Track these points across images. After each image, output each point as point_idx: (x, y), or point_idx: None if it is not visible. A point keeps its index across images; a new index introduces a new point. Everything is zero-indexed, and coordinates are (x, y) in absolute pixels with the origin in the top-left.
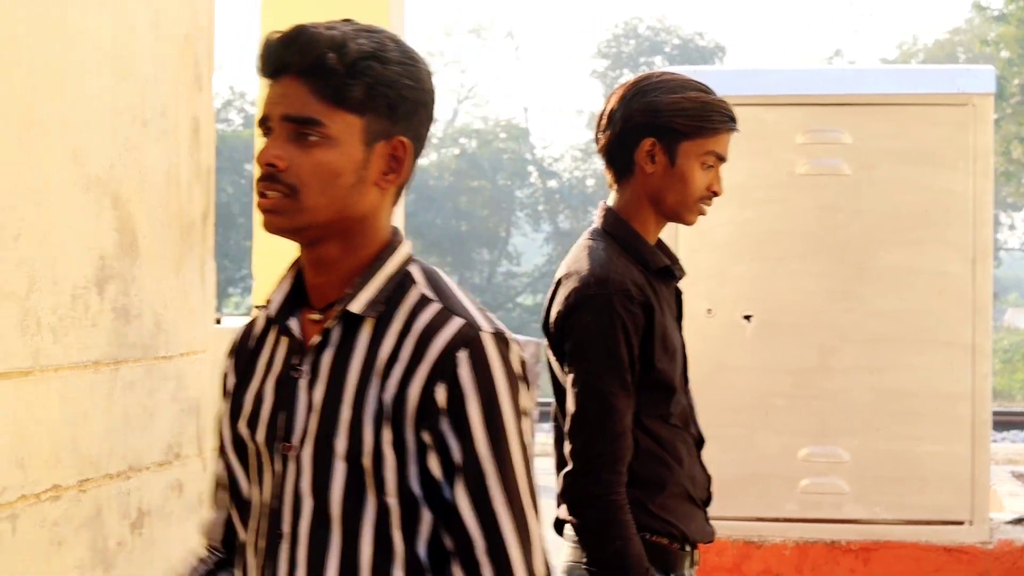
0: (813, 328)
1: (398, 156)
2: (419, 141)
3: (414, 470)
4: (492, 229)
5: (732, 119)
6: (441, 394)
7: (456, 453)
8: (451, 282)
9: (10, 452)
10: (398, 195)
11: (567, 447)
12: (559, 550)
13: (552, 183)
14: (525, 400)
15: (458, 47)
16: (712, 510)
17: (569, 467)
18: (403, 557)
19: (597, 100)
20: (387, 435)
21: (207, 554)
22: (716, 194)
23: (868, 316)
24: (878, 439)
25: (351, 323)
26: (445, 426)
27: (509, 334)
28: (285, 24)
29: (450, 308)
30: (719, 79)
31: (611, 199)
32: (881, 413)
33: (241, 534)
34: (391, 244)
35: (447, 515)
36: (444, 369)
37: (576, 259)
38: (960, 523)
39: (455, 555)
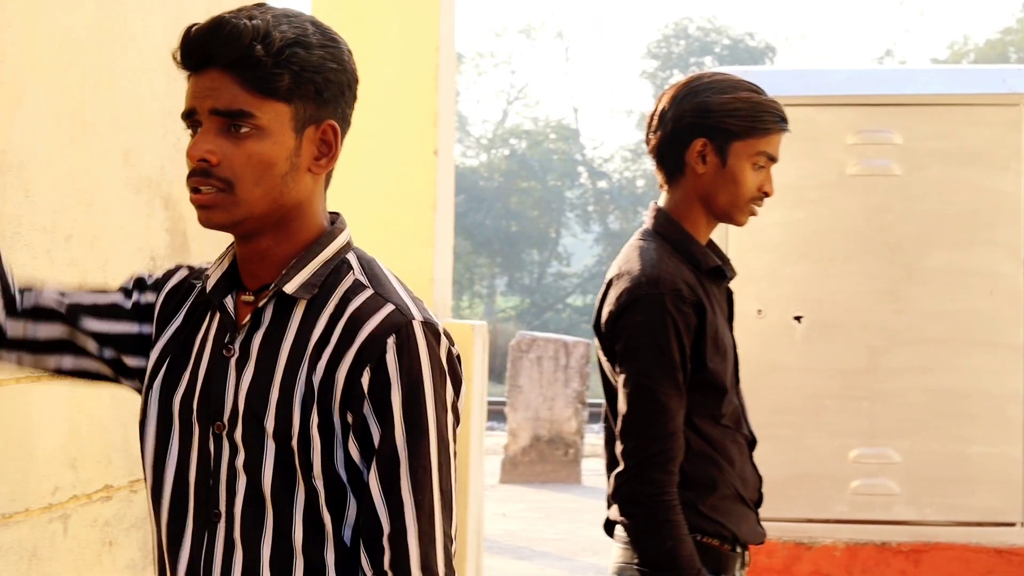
0: (863, 329)
1: (328, 140)
2: (346, 123)
3: (340, 454)
4: (542, 230)
5: (783, 119)
6: (366, 378)
7: (375, 438)
8: (388, 271)
9: (62, 453)
10: (329, 179)
11: (618, 447)
12: (610, 551)
13: (602, 184)
14: (450, 393)
15: (508, 48)
16: (762, 511)
17: (620, 468)
18: (333, 539)
19: (647, 101)
20: (315, 418)
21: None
22: (767, 195)
23: (918, 317)
24: (929, 440)
25: (283, 304)
26: (367, 410)
27: (441, 326)
28: (339, 24)
29: (383, 295)
30: (769, 79)
31: (662, 199)
32: (932, 414)
33: (153, 524)
34: (330, 231)
35: (361, 498)
36: (371, 354)
37: (627, 259)
38: (1011, 525)
39: (364, 538)
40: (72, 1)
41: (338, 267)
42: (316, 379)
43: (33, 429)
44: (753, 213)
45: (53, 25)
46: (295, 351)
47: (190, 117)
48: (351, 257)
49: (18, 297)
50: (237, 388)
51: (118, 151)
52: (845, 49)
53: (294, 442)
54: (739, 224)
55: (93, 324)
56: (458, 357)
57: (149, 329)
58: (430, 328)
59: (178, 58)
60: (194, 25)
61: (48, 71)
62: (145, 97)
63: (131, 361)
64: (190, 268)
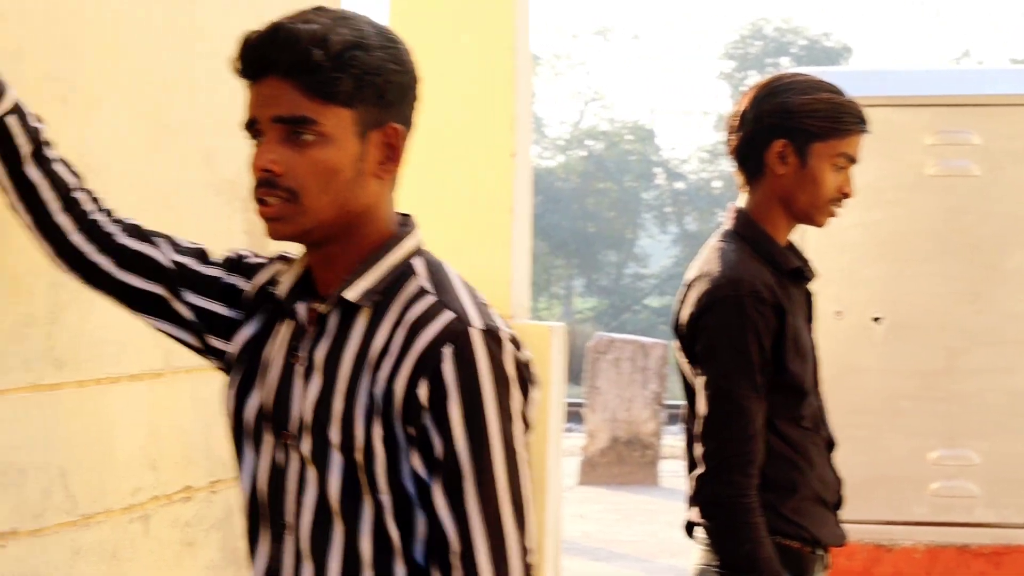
0: (942, 330)
1: (392, 143)
2: (409, 124)
3: (406, 467)
4: (619, 231)
5: (863, 120)
6: (423, 390)
7: (437, 450)
8: (457, 276)
9: (142, 453)
10: (395, 182)
11: (698, 449)
12: (690, 552)
13: (679, 185)
14: (516, 401)
15: (584, 49)
16: (841, 513)
17: (700, 470)
18: (403, 554)
19: (724, 101)
20: (377, 430)
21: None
22: (847, 196)
23: (997, 318)
24: (1009, 442)
25: (348, 312)
26: (427, 422)
27: (506, 332)
28: (415, 28)
29: (444, 302)
30: (847, 80)
31: (741, 200)
32: (1012, 415)
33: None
34: (396, 235)
35: (428, 514)
36: (427, 364)
37: (707, 261)
38: None
39: (434, 554)
40: (151, 3)
41: (403, 272)
42: (378, 390)
43: (113, 430)
44: (833, 214)
45: (132, 27)
46: (358, 360)
47: (252, 127)
48: (417, 262)
49: (120, 234)
50: (304, 398)
51: (198, 153)
52: (922, 49)
53: (359, 454)
54: (818, 225)
55: (191, 296)
56: (528, 363)
57: (236, 314)
58: (491, 335)
59: (237, 67)
60: (251, 33)
61: (127, 73)
62: (224, 99)
63: (214, 341)
64: (285, 262)
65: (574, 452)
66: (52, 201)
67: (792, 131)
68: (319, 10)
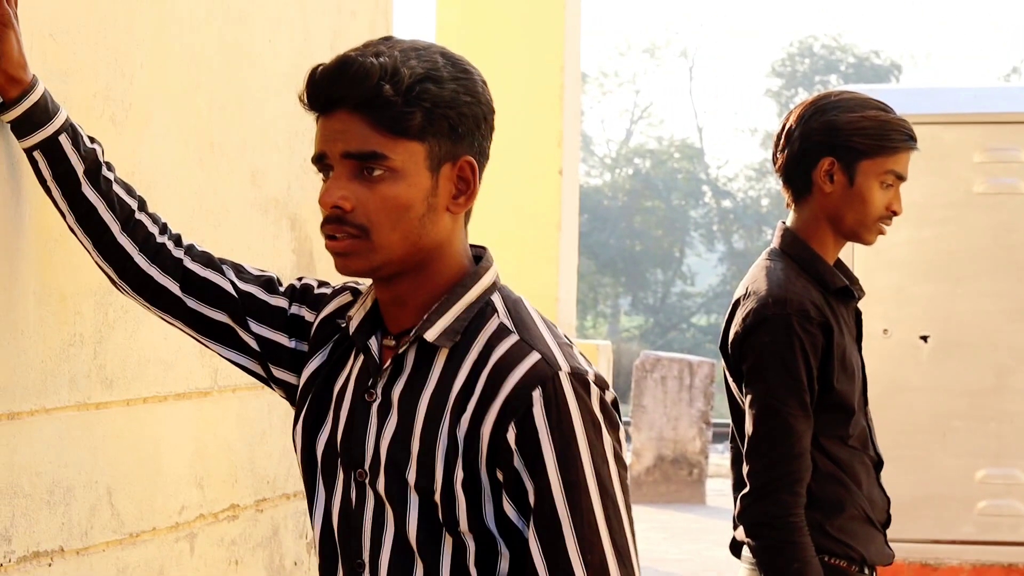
0: (991, 348)
1: (465, 177)
2: (484, 156)
3: (489, 509)
4: (666, 249)
5: (912, 138)
6: (512, 434)
7: (531, 497)
8: (536, 312)
9: (189, 472)
10: (468, 216)
11: (745, 468)
12: (735, 571)
13: (726, 203)
14: (608, 443)
15: (632, 67)
16: (889, 532)
17: (747, 489)
18: None
19: (771, 119)
20: (459, 473)
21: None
22: (896, 213)
23: None
24: None
25: (425, 351)
26: (519, 466)
27: (592, 374)
28: (463, 46)
29: (528, 341)
30: (895, 98)
31: (789, 219)
32: None
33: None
34: (474, 271)
35: (522, 558)
36: (516, 408)
37: (755, 279)
38: None
39: None
40: (200, 22)
41: (482, 310)
42: (460, 433)
43: (160, 448)
44: (881, 232)
45: (181, 46)
46: (437, 400)
47: (320, 161)
48: (496, 299)
49: (185, 258)
50: (379, 436)
51: (245, 172)
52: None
53: (437, 496)
54: (867, 243)
55: (256, 326)
56: (614, 402)
57: (301, 346)
58: (578, 378)
59: (304, 100)
60: (319, 66)
61: (176, 92)
62: (272, 118)
63: (279, 372)
64: (353, 294)
65: None
66: (112, 222)
67: (840, 149)
68: (388, 41)
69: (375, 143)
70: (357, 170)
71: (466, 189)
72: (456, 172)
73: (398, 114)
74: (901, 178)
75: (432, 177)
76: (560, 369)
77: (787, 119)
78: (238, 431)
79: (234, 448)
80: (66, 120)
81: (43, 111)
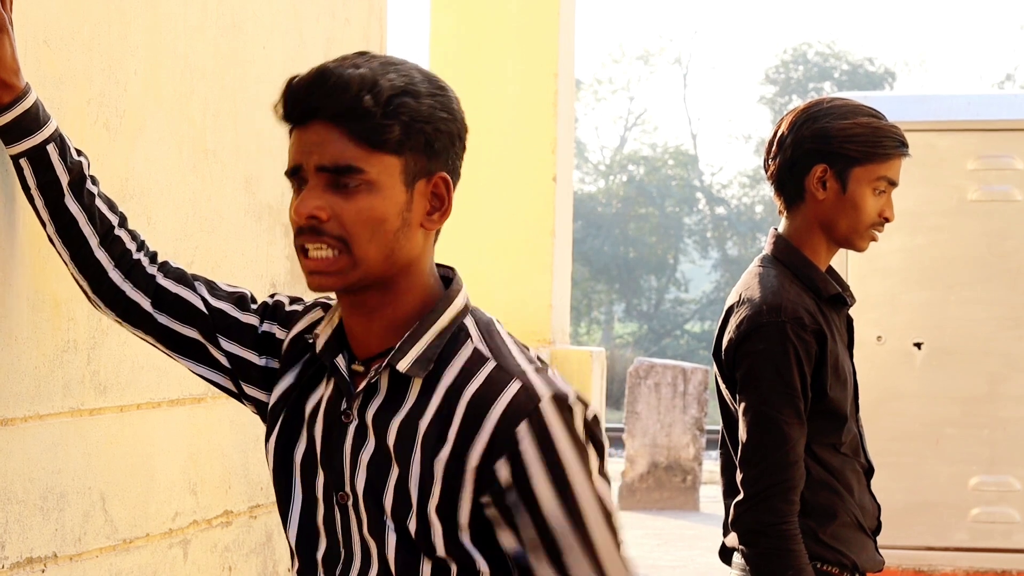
0: (984, 356)
1: (439, 194)
2: (456, 175)
3: (466, 536)
4: (660, 256)
5: (904, 144)
6: (504, 470)
7: (530, 530)
8: (507, 335)
9: (183, 478)
10: (438, 235)
11: (738, 475)
12: None
13: (720, 210)
14: (594, 462)
15: (626, 74)
16: (882, 539)
17: (740, 496)
18: None
19: (765, 126)
20: (434, 500)
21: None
22: (888, 220)
23: None
24: None
25: (398, 377)
26: (513, 501)
27: (571, 393)
28: (458, 53)
29: (506, 368)
30: (889, 105)
31: (781, 226)
32: None
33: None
34: (444, 295)
35: (503, 571)
36: (504, 443)
37: (748, 286)
38: None
39: None
40: (194, 29)
41: (455, 335)
42: (440, 461)
43: (153, 454)
44: (874, 239)
45: (175, 54)
46: (407, 426)
47: (295, 174)
48: (469, 322)
49: (158, 275)
50: (356, 459)
51: (239, 179)
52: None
53: (412, 523)
54: (859, 250)
55: (227, 343)
56: (595, 419)
57: (272, 363)
58: (560, 402)
59: (280, 111)
60: (295, 77)
61: (170, 99)
62: (266, 125)
63: (249, 389)
64: (324, 309)
65: (613, 477)
66: (91, 236)
67: (832, 156)
68: (364, 55)
69: (352, 155)
70: (332, 183)
71: (440, 206)
72: (431, 188)
73: (376, 126)
74: (893, 184)
75: (407, 192)
76: (541, 398)
77: (779, 126)
78: (232, 437)
79: (228, 454)
80: (55, 130)
81: (33, 119)
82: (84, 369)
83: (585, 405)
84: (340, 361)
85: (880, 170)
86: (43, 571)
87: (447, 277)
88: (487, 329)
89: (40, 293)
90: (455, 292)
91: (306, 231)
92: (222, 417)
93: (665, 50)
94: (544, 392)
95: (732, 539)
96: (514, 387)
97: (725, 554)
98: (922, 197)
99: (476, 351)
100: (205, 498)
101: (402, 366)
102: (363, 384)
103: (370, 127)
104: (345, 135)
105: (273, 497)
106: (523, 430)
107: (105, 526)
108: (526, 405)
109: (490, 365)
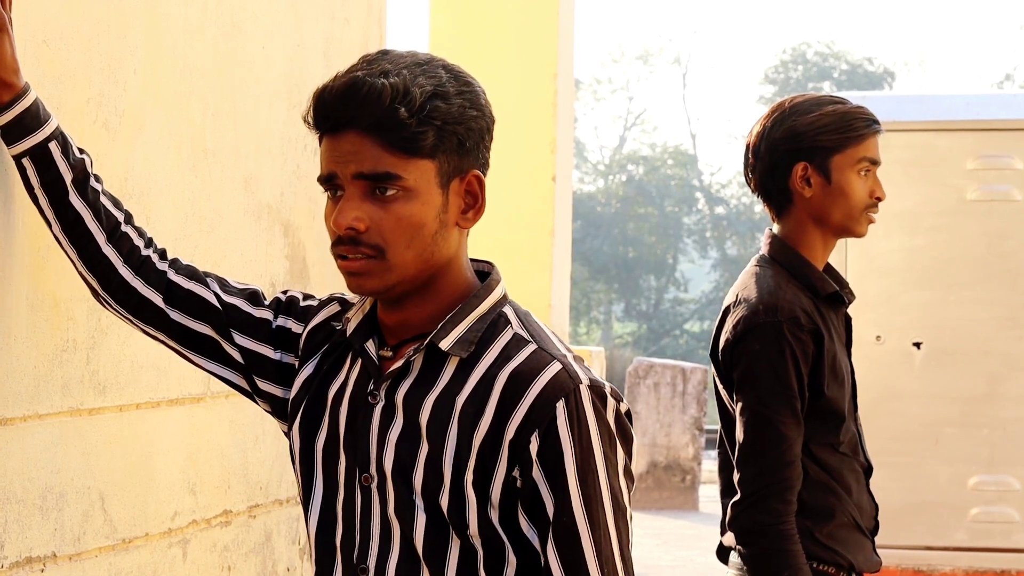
0: (983, 356)
1: (473, 191)
2: (486, 167)
3: (495, 515)
4: (659, 256)
5: (875, 121)
6: (535, 443)
7: (549, 508)
8: (546, 327)
9: (182, 477)
10: (469, 231)
11: (736, 475)
12: None
13: (719, 209)
14: (621, 457)
15: (626, 74)
16: (881, 538)
17: (738, 496)
18: None
19: None
20: (470, 476)
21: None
22: (880, 199)
23: None
24: None
25: (434, 358)
26: (537, 476)
27: (608, 387)
28: (457, 52)
29: (547, 350)
30: (888, 105)
31: (776, 227)
32: None
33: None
34: (485, 284)
35: (529, 567)
36: (540, 417)
37: (745, 286)
38: None
39: None
40: (193, 29)
41: (495, 321)
42: (478, 436)
43: (153, 454)
44: (871, 221)
45: (174, 53)
46: (442, 403)
47: (329, 181)
48: (508, 311)
49: (169, 271)
50: (384, 438)
51: (238, 178)
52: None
53: (444, 499)
54: (859, 235)
55: (240, 338)
56: (628, 414)
57: (287, 358)
58: (596, 391)
59: (310, 120)
60: (326, 87)
61: (169, 98)
62: (265, 124)
63: (263, 384)
64: (341, 304)
65: None
66: (98, 233)
67: (808, 152)
68: (388, 56)
69: (388, 164)
70: (369, 190)
71: (474, 203)
72: (464, 187)
73: (412, 135)
74: (876, 163)
75: (443, 193)
76: (580, 382)
77: (749, 138)
78: (231, 437)
79: (227, 454)
80: (56, 128)
81: (34, 117)
82: (83, 369)
83: (618, 400)
84: (370, 346)
85: (858, 152)
86: (42, 571)
87: (484, 272)
88: (526, 318)
89: (39, 293)
90: (495, 283)
91: (345, 241)
92: (221, 417)
93: (664, 50)
94: (583, 378)
95: (729, 538)
96: (555, 367)
97: (722, 553)
98: (921, 197)
99: (516, 335)
100: (204, 498)
101: (444, 344)
102: (394, 366)
103: (405, 136)
104: (380, 144)
105: (272, 497)
106: (560, 408)
107: (104, 526)
108: (567, 385)
109: (531, 347)
